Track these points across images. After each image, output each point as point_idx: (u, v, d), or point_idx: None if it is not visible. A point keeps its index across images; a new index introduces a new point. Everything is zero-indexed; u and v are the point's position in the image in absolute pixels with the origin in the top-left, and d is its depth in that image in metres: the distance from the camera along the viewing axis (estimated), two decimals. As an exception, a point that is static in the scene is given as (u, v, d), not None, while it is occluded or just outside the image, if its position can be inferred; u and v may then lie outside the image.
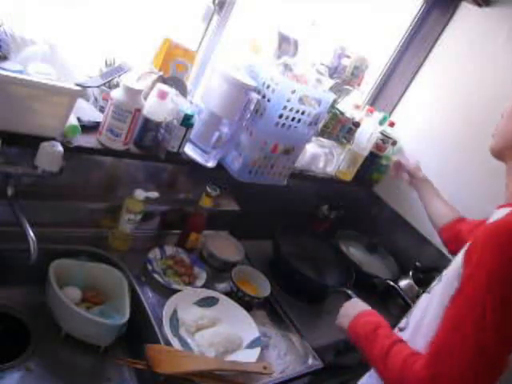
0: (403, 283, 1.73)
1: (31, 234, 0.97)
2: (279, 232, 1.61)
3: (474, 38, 1.79)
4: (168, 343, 1.07)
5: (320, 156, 1.74)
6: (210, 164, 1.36)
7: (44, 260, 1.05)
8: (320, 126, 1.67)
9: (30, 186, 1.15)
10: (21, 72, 0.98)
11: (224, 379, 1.08)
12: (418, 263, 1.78)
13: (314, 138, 1.67)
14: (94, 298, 1.14)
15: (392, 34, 1.94)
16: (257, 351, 1.18)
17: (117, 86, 1.23)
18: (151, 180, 1.41)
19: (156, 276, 1.27)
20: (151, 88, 1.25)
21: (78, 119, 1.13)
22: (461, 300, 0.84)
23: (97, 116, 1.21)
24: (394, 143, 1.88)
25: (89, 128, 1.17)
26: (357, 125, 1.83)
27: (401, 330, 1.04)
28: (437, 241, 1.80)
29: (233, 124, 1.34)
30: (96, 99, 1.25)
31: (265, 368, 1.11)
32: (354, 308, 1.11)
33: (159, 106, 1.23)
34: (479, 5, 1.75)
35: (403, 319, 1.11)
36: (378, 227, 2.04)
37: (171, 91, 1.26)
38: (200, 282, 1.33)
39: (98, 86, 1.21)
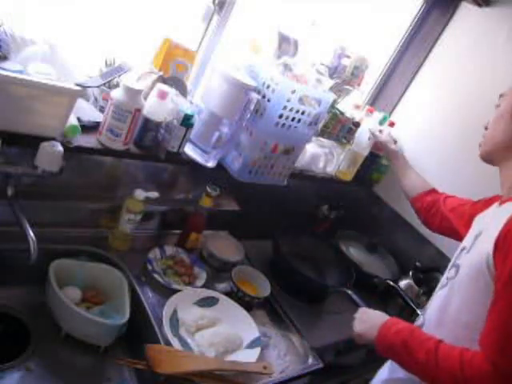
0: (403, 283, 1.73)
1: (31, 234, 0.97)
2: (279, 232, 1.61)
3: (473, 38, 1.79)
4: (168, 343, 1.07)
5: (320, 156, 1.74)
6: (210, 164, 1.36)
7: (44, 260, 1.05)
8: (320, 125, 1.67)
9: (30, 186, 1.15)
10: (21, 72, 0.98)
11: (224, 379, 1.08)
12: (418, 263, 1.78)
13: (314, 138, 1.67)
14: (94, 297, 1.14)
15: (392, 34, 1.94)
16: (257, 351, 1.18)
17: (117, 86, 1.23)
18: (151, 180, 1.41)
19: (156, 276, 1.27)
20: (151, 88, 1.25)
21: (78, 119, 1.13)
22: (509, 294, 0.85)
23: (97, 116, 1.21)
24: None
25: (89, 128, 1.17)
26: (357, 125, 1.83)
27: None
28: (437, 241, 1.81)
29: (233, 124, 1.34)
30: (96, 99, 1.25)
31: (265, 368, 1.11)
32: (370, 318, 1.10)
33: (159, 106, 1.23)
34: (479, 5, 1.75)
35: (419, 317, 1.12)
36: (377, 227, 2.04)
37: (171, 91, 1.26)
38: (200, 282, 1.33)
39: (98, 86, 1.21)
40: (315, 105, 1.39)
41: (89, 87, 1.19)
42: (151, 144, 1.27)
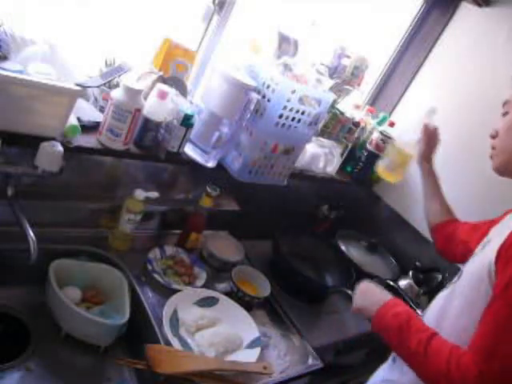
0: (403, 283, 1.74)
1: (31, 234, 0.97)
2: (279, 232, 1.61)
3: (473, 38, 1.79)
4: (168, 343, 1.07)
5: (320, 156, 1.74)
6: (210, 164, 1.36)
7: (44, 260, 1.05)
8: (320, 125, 1.67)
9: (30, 186, 1.15)
10: (21, 72, 0.98)
11: (224, 379, 1.08)
12: (418, 263, 1.78)
13: (314, 138, 1.67)
14: (94, 297, 1.14)
15: (392, 34, 1.94)
16: (257, 351, 1.18)
17: (117, 86, 1.23)
18: (151, 180, 1.41)
19: (156, 276, 1.27)
20: (151, 88, 1.25)
21: (78, 119, 1.13)
22: (505, 300, 0.84)
23: (97, 116, 1.21)
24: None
25: (89, 128, 1.17)
26: (357, 125, 1.83)
27: None
28: (437, 241, 1.80)
29: (233, 124, 1.34)
30: (96, 99, 1.25)
31: (265, 368, 1.11)
32: (372, 295, 1.09)
33: (159, 106, 1.23)
34: (479, 5, 1.75)
35: None
36: (377, 227, 2.04)
37: (171, 91, 1.26)
38: (200, 282, 1.33)
39: (98, 86, 1.21)
40: (315, 105, 1.39)
41: (89, 87, 1.19)
42: (151, 144, 1.27)
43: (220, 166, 1.41)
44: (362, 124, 1.87)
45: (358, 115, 1.85)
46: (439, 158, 1.85)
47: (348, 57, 1.72)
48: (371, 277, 1.72)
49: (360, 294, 1.12)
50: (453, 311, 0.98)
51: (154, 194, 1.28)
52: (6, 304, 1.08)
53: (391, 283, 1.70)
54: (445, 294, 1.04)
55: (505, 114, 1.05)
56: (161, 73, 1.29)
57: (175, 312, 1.17)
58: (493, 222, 1.17)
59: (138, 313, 1.13)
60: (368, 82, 1.92)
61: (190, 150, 1.34)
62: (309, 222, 1.94)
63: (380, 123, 1.88)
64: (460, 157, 1.79)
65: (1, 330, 1.04)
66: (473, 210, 1.70)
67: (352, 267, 1.66)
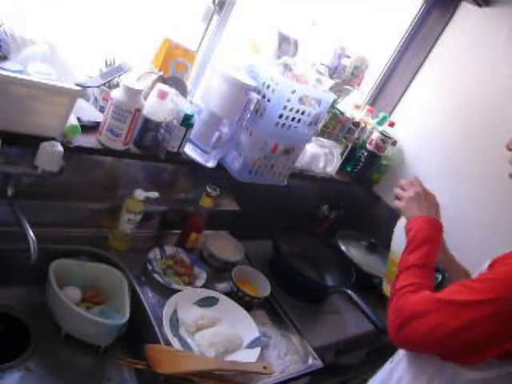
0: (403, 283, 1.73)
1: (31, 234, 0.97)
2: (279, 232, 1.61)
3: (473, 38, 1.79)
4: (168, 343, 1.07)
5: (320, 156, 1.74)
6: (210, 164, 1.36)
7: (44, 260, 1.05)
8: (320, 125, 1.67)
9: (30, 186, 1.15)
10: (21, 72, 0.98)
11: (224, 379, 1.08)
12: (417, 263, 1.77)
13: (314, 138, 1.67)
14: (94, 297, 1.14)
15: (392, 33, 1.94)
16: (257, 351, 1.18)
17: (117, 86, 1.23)
18: (151, 180, 1.41)
19: (156, 276, 1.27)
20: (151, 88, 1.25)
21: (78, 119, 1.13)
22: (470, 283, 0.86)
23: (97, 116, 1.21)
24: (394, 143, 1.88)
25: (89, 128, 1.17)
26: (357, 125, 1.83)
27: None
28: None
29: (233, 124, 1.34)
30: (96, 99, 1.25)
31: (265, 368, 1.11)
32: (426, 206, 1.07)
33: (159, 106, 1.23)
34: (479, 5, 1.75)
35: None
36: (377, 227, 2.04)
37: (171, 91, 1.26)
38: (200, 282, 1.33)
39: (98, 86, 1.21)
40: (315, 105, 1.39)
41: (89, 87, 1.19)
42: (151, 144, 1.27)
43: (220, 166, 1.41)
44: (362, 124, 1.88)
45: (357, 115, 1.85)
46: (439, 158, 1.86)
47: (348, 57, 1.72)
48: (371, 277, 1.72)
49: (416, 198, 1.09)
50: None
51: (154, 194, 1.28)
52: (6, 304, 1.08)
53: (391, 283, 1.70)
54: None
55: None
56: (161, 73, 1.29)
57: (175, 312, 1.17)
58: None
59: (138, 313, 1.13)
60: (368, 81, 1.92)
61: (190, 150, 1.34)
62: (309, 221, 1.94)
63: (380, 123, 1.89)
64: (460, 157, 1.79)
65: (1, 330, 1.05)
66: (473, 209, 1.70)
67: (352, 267, 1.66)
